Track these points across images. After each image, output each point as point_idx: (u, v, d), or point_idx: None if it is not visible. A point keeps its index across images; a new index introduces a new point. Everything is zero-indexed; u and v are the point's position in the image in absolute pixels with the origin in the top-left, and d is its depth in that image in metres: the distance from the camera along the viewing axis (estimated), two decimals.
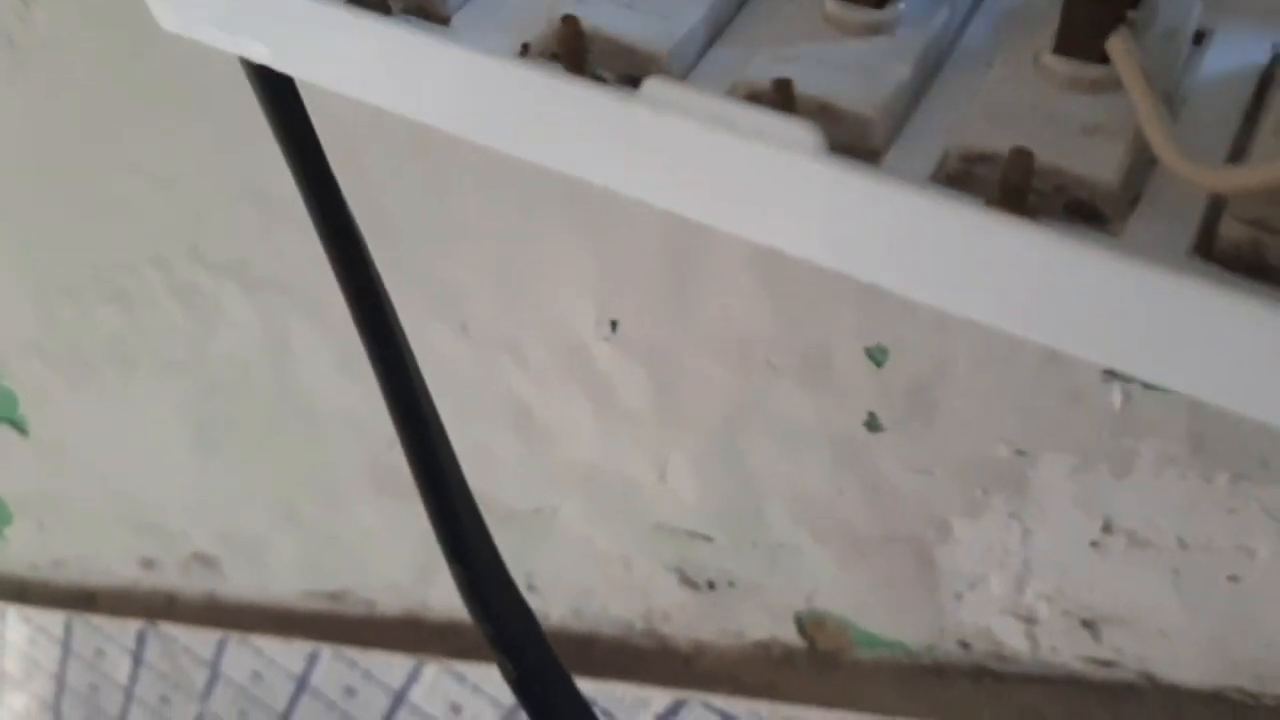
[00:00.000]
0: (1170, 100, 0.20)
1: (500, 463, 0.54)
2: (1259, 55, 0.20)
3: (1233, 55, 0.20)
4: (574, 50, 0.21)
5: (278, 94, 0.25)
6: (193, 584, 0.70)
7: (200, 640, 0.69)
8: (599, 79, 0.21)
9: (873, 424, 0.46)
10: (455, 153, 0.46)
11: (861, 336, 0.44)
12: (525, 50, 0.22)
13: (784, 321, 0.45)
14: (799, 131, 0.17)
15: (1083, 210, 0.18)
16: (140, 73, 0.50)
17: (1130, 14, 0.19)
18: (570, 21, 0.20)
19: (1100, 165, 0.18)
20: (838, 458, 0.48)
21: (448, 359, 0.51)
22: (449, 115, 0.21)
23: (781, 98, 0.19)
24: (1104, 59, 0.19)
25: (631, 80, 0.21)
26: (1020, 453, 0.44)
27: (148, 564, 0.70)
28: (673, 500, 0.53)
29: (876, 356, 0.45)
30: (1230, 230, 0.17)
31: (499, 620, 0.33)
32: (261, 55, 0.23)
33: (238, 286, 0.54)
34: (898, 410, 0.46)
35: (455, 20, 0.23)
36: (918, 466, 0.47)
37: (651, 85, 0.18)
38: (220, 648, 0.68)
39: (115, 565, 0.71)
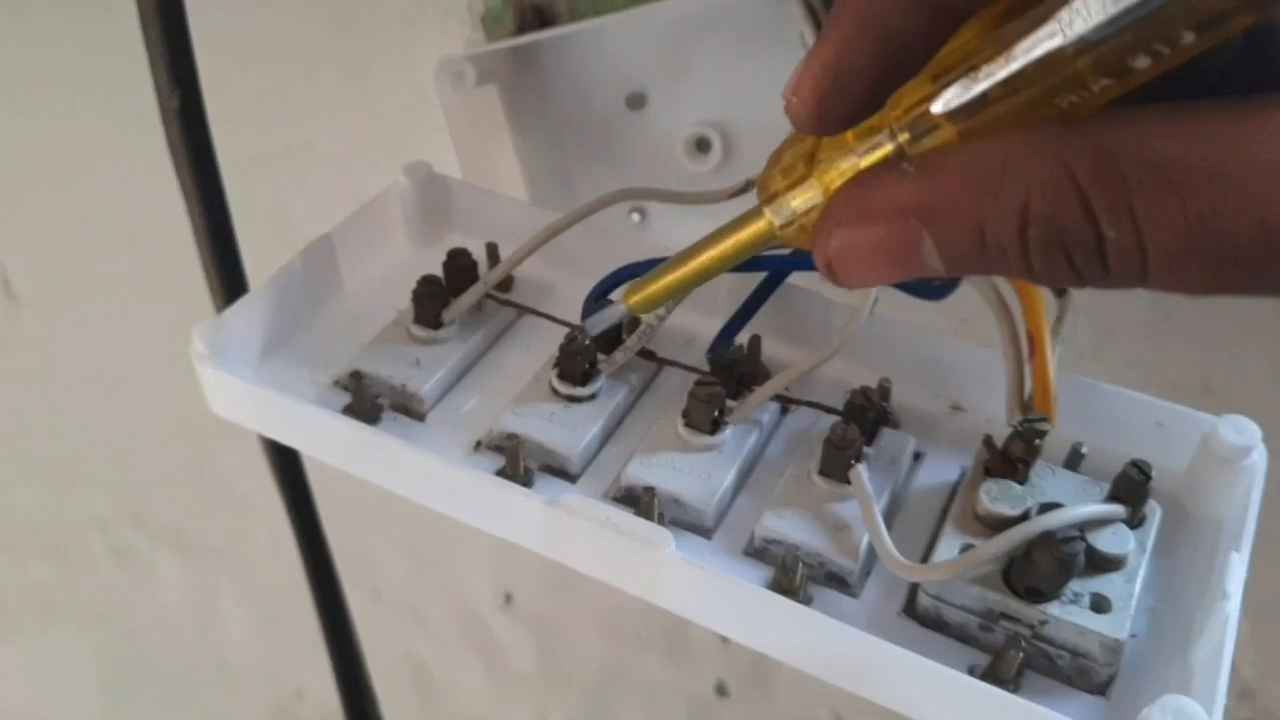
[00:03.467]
0: (896, 502, 0.31)
1: (399, 715, 0.61)
2: (952, 473, 0.32)
3: (937, 471, 0.32)
4: (513, 451, 0.31)
5: (286, 460, 0.35)
6: None
7: None
8: (528, 469, 0.31)
9: (722, 690, 0.55)
10: None
11: None
12: (478, 446, 0.32)
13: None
14: (660, 535, 0.27)
15: (835, 579, 0.29)
16: (107, 361, 0.58)
17: (866, 449, 0.30)
18: (511, 436, 0.31)
19: (845, 554, 0.29)
20: (693, 717, 0.57)
21: (359, 622, 0.59)
22: (422, 494, 0.30)
23: (648, 497, 0.29)
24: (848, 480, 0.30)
25: (550, 469, 0.31)
26: (838, 716, 0.54)
27: None
28: None
29: None
30: (923, 601, 0.28)
31: None
32: (282, 439, 0.32)
33: (172, 551, 0.62)
34: (742, 679, 0.55)
35: (429, 418, 0.33)
36: None
37: (569, 499, 0.28)
38: None
39: None
